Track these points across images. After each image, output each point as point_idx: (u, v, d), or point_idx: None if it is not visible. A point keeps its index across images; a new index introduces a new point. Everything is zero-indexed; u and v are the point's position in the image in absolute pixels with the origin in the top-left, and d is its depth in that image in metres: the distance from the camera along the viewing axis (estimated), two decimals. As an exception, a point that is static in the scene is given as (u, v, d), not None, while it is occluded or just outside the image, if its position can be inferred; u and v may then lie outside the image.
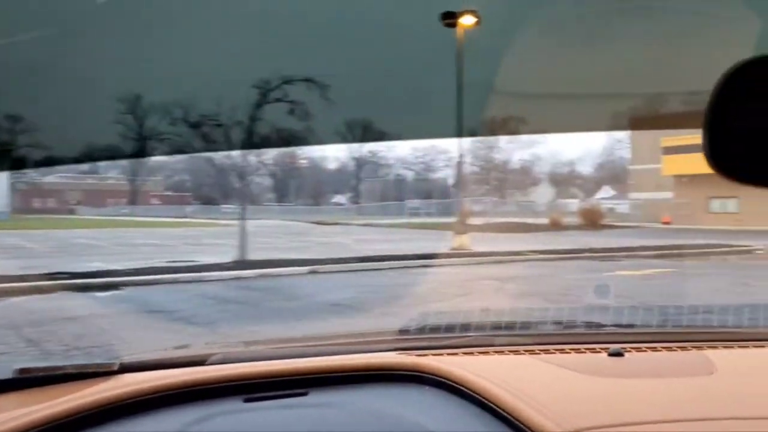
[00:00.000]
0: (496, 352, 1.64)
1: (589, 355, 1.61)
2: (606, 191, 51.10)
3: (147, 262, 13.89)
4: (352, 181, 56.45)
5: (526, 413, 1.21)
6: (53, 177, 46.49)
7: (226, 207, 36.50)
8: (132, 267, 12.92)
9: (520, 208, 43.08)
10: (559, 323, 1.91)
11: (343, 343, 1.79)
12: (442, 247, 17.63)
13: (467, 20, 19.74)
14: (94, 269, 12.82)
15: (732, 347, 1.68)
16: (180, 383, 1.37)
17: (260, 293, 10.57)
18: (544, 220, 31.75)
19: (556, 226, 29.69)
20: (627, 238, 22.01)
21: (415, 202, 45.56)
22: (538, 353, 1.62)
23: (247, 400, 1.37)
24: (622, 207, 40.62)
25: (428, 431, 1.26)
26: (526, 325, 1.91)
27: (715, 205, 34.28)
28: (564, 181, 57.38)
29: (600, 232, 27.22)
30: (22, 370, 1.39)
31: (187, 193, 53.90)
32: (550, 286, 11.15)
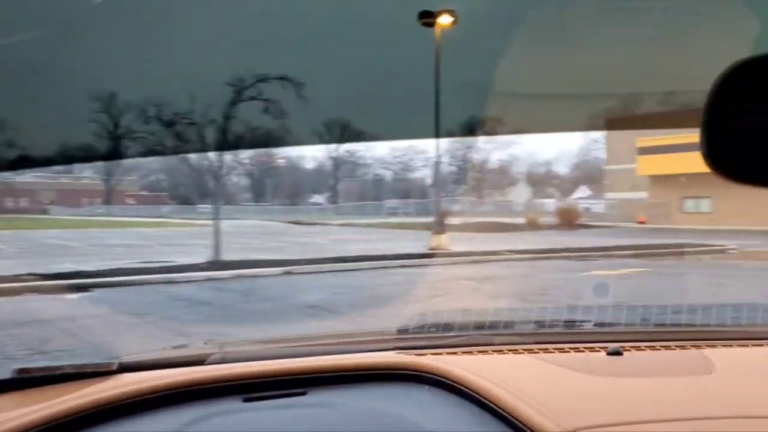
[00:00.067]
0: (495, 351, 1.64)
1: (588, 354, 1.61)
2: (582, 191, 51.54)
3: (119, 263, 13.64)
4: (330, 180, 56.26)
5: (525, 412, 1.20)
6: (26, 176, 45.69)
7: (202, 207, 36.15)
8: (104, 268, 12.67)
9: (498, 208, 43.26)
10: (557, 322, 1.91)
11: (342, 343, 1.79)
12: (420, 247, 17.57)
13: (445, 20, 19.78)
14: (64, 270, 12.53)
15: (731, 346, 1.68)
16: (179, 383, 1.37)
17: (233, 295, 10.40)
18: (522, 220, 31.89)
19: (533, 226, 29.83)
20: (603, 237, 22.15)
21: (393, 202, 45.55)
22: (537, 352, 1.61)
23: (246, 400, 1.36)
24: (598, 207, 40.98)
25: (427, 431, 1.26)
26: (525, 324, 1.91)
27: (689, 204, 34.71)
28: (541, 181, 57.79)
29: (576, 231, 27.40)
30: (21, 370, 1.38)
31: (163, 193, 53.46)
32: (526, 286, 11.14)
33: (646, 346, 1.65)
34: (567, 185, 56.77)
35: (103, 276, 11.74)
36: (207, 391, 1.38)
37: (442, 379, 1.43)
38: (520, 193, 48.87)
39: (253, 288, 11.04)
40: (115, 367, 1.42)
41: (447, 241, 18.39)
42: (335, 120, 41.11)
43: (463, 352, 1.61)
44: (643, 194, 36.12)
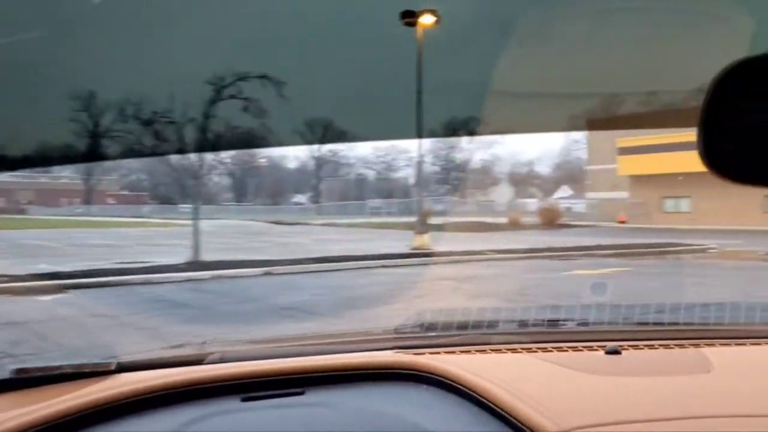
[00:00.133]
0: (494, 350, 1.64)
1: (586, 353, 1.60)
2: (564, 191, 51.86)
3: (97, 264, 13.42)
4: (313, 180, 56.09)
5: (523, 411, 1.20)
6: (3, 176, 45.06)
7: (184, 207, 35.87)
8: (80, 269, 12.45)
9: (481, 208, 43.36)
10: (556, 321, 1.90)
11: (340, 342, 1.79)
12: (403, 247, 17.51)
13: (427, 19, 19.75)
14: (39, 271, 12.31)
15: (729, 345, 1.68)
16: (177, 383, 1.37)
17: (210, 296, 10.26)
18: (504, 220, 31.99)
19: (515, 226, 29.95)
20: (584, 237, 22.25)
21: (376, 202, 45.49)
22: (536, 351, 1.61)
23: (244, 400, 1.36)
24: (580, 206, 41.24)
25: (425, 430, 1.26)
26: (523, 323, 1.91)
27: (669, 204, 35.03)
28: (523, 180, 58.06)
29: (558, 231, 27.52)
30: (20, 371, 1.38)
31: (144, 193, 53.06)
32: (507, 286, 11.11)
33: (644, 345, 1.65)
34: (549, 185, 57.10)
35: (80, 277, 11.54)
36: (205, 391, 1.38)
37: (441, 379, 1.43)
38: (503, 193, 49.05)
39: (231, 289, 10.90)
40: (113, 367, 1.42)
41: (429, 241, 18.36)
42: (317, 119, 40.94)
43: (461, 352, 1.61)
44: (623, 194, 36.39)
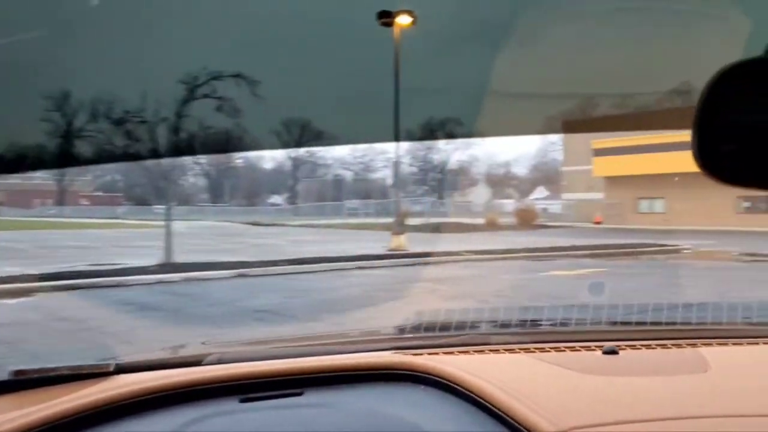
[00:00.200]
0: (492, 350, 1.64)
1: (584, 353, 1.61)
2: (540, 192, 52.16)
3: (66, 266, 13.10)
4: (290, 181, 55.76)
5: (521, 412, 1.21)
6: (-29, 176, 44.13)
7: (159, 208, 35.44)
8: (49, 271, 12.14)
9: (458, 209, 43.45)
10: (554, 321, 1.91)
11: (339, 343, 1.80)
12: (380, 248, 17.39)
13: (403, 20, 19.66)
14: (5, 274, 11.96)
15: (726, 344, 1.69)
16: (176, 384, 1.37)
17: (181, 298, 10.02)
18: (481, 221, 32.05)
19: (492, 226, 30.02)
20: (561, 237, 22.34)
21: (353, 203, 45.37)
22: (534, 351, 1.61)
23: (242, 401, 1.36)
24: (556, 207, 41.51)
25: (424, 430, 1.26)
26: (521, 324, 1.91)
27: (644, 205, 35.39)
28: (500, 182, 58.32)
29: (534, 231, 27.62)
30: (18, 372, 1.37)
31: (118, 194, 52.39)
32: (484, 287, 11.03)
33: (641, 345, 1.65)
34: (525, 186, 57.41)
35: (47, 279, 11.25)
36: (204, 392, 1.37)
37: (439, 379, 1.43)
38: (480, 194, 49.22)
39: (203, 291, 10.67)
40: (111, 368, 1.42)
41: (406, 241, 18.27)
42: (295, 120, 40.72)
43: (460, 352, 1.61)
44: (599, 195, 36.68)
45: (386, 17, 19.73)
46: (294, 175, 55.37)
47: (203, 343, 1.84)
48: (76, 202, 48.82)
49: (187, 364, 1.49)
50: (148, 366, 1.47)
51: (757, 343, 1.72)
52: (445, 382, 1.41)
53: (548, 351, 1.62)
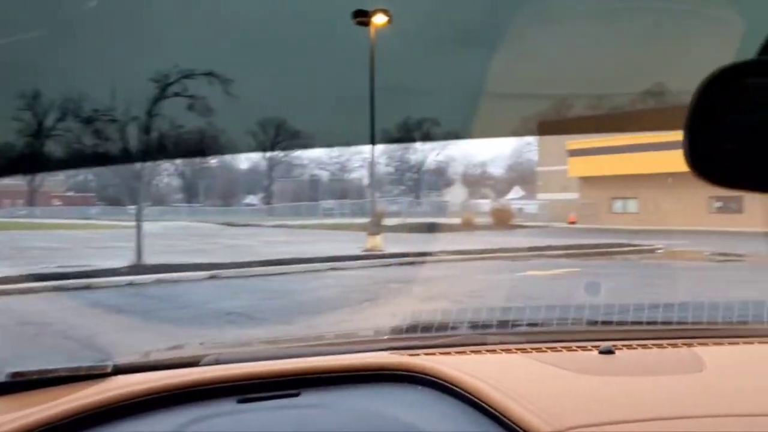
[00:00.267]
0: (488, 350, 1.64)
1: (580, 353, 1.61)
2: (516, 192, 52.43)
3: (33, 268, 12.78)
4: (265, 181, 55.35)
5: (516, 412, 1.21)
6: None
7: (133, 208, 34.91)
8: (15, 273, 11.81)
9: (435, 209, 43.48)
10: (550, 321, 1.92)
11: (335, 343, 1.81)
12: (355, 249, 17.26)
13: (379, 19, 19.56)
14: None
15: (722, 344, 1.70)
16: (173, 385, 1.37)
17: (151, 301, 9.80)
18: (458, 220, 32.07)
19: (468, 226, 30.04)
20: (536, 237, 22.41)
21: (329, 203, 45.18)
22: (530, 351, 1.62)
23: (240, 401, 1.36)
24: (531, 207, 41.72)
25: (420, 431, 1.26)
26: (518, 324, 1.91)
27: (617, 205, 35.74)
28: (476, 182, 58.55)
29: (510, 231, 27.71)
30: (16, 374, 1.38)
31: (91, 194, 51.56)
32: (460, 288, 10.96)
33: (638, 345, 1.66)
34: (501, 186, 57.69)
35: (11, 282, 10.93)
36: (201, 393, 1.38)
37: (435, 379, 1.43)
38: (457, 194, 49.34)
39: (173, 293, 10.46)
40: (109, 369, 1.42)
41: (382, 242, 18.17)
42: (270, 120, 40.41)
43: (456, 352, 1.62)
44: (573, 195, 36.95)
45: (362, 16, 19.63)
46: (269, 175, 54.99)
47: (201, 344, 1.87)
48: (47, 203, 47.99)
49: (184, 364, 1.50)
50: (146, 367, 1.48)
51: (753, 343, 1.73)
52: (441, 382, 1.41)
53: (545, 351, 1.62)
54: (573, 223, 34.73)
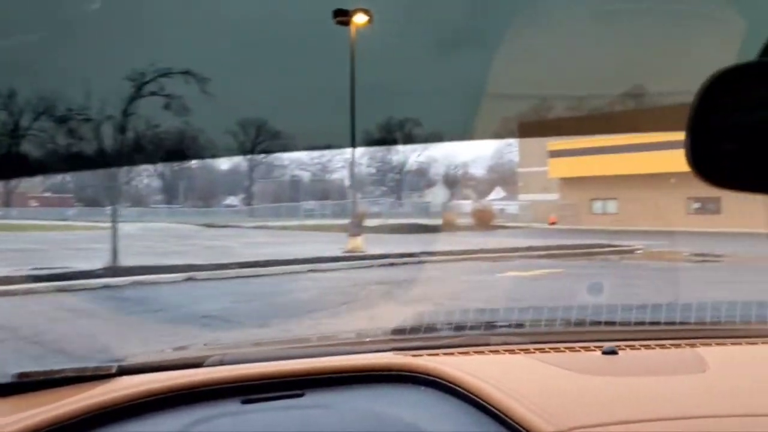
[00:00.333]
0: (492, 351, 1.64)
1: (583, 353, 1.62)
2: (497, 193, 52.58)
3: (6, 270, 12.48)
4: (245, 182, 54.96)
5: (520, 412, 1.21)
6: None
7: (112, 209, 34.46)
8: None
9: (416, 209, 43.47)
10: (553, 322, 1.92)
11: (339, 344, 1.82)
12: (336, 250, 17.12)
13: (359, 18, 19.45)
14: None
15: (725, 344, 1.70)
16: (178, 385, 1.38)
17: (125, 303, 9.58)
18: (439, 221, 32.07)
19: (450, 227, 30.03)
20: (517, 238, 22.43)
21: (310, 204, 44.97)
22: (533, 352, 1.62)
23: (244, 402, 1.37)
24: (512, 208, 41.85)
25: (423, 431, 1.26)
26: (520, 324, 1.92)
27: (597, 206, 35.96)
28: (458, 182, 58.64)
29: (492, 232, 27.73)
30: (22, 375, 1.38)
31: (69, 195, 50.88)
32: (440, 290, 10.88)
33: (641, 345, 1.66)
34: (483, 187, 57.84)
35: (-19, 285, 10.66)
36: (206, 394, 1.38)
37: (438, 380, 1.44)
38: (438, 195, 49.41)
39: (148, 296, 10.25)
40: (114, 370, 1.43)
41: (363, 243, 18.05)
42: (250, 120, 40.13)
43: (459, 353, 1.62)
44: (554, 196, 37.10)
45: (342, 16, 19.50)
46: (250, 176, 54.63)
47: (205, 345, 1.89)
48: (24, 204, 47.26)
49: (189, 365, 1.50)
50: (151, 367, 1.48)
51: (756, 343, 1.73)
52: (444, 383, 1.42)
53: (547, 352, 1.62)
54: (553, 223, 34.87)
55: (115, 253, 13.74)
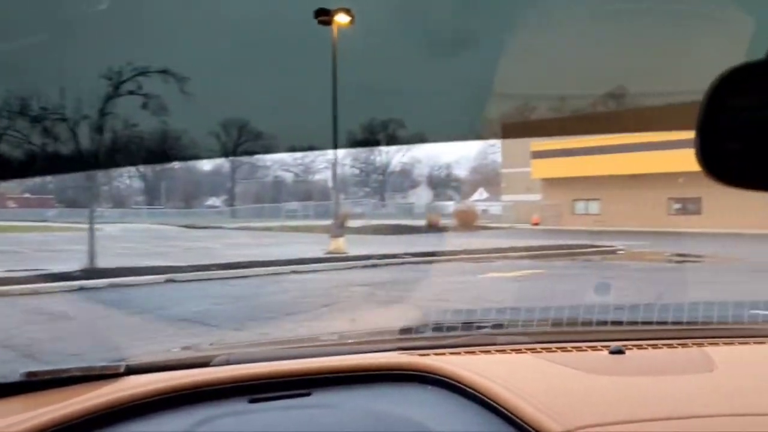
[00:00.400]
0: (498, 351, 1.64)
1: (590, 353, 1.62)
2: (480, 193, 52.69)
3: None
4: (228, 183, 54.62)
5: (527, 412, 1.21)
6: None
7: (93, 210, 34.06)
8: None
9: (399, 210, 43.46)
10: (560, 321, 1.92)
11: (346, 344, 1.82)
12: (318, 251, 17.00)
13: (342, 18, 19.33)
14: None
15: (732, 344, 1.69)
16: (185, 385, 1.38)
17: (100, 306, 9.38)
18: (422, 222, 32.04)
19: (433, 228, 30.00)
20: (500, 239, 22.44)
21: (293, 205, 44.76)
22: (540, 351, 1.62)
23: (251, 401, 1.37)
24: (496, 208, 41.95)
25: (430, 431, 1.27)
26: (527, 324, 1.93)
27: (580, 206, 36.13)
28: (441, 183, 58.74)
29: (475, 233, 27.74)
30: (29, 374, 1.39)
31: (49, 196, 50.26)
32: (423, 291, 10.80)
33: (648, 345, 1.66)
34: (466, 188, 57.96)
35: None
36: (213, 393, 1.39)
37: (445, 379, 1.44)
38: (422, 196, 49.43)
39: (125, 298, 10.06)
40: (122, 370, 1.43)
41: (345, 244, 17.95)
42: (232, 120, 39.86)
43: (466, 352, 1.62)
44: (537, 197, 37.22)
45: (324, 15, 19.37)
46: (232, 177, 54.29)
47: (211, 344, 1.89)
48: (2, 205, 46.64)
49: (196, 365, 1.51)
50: (158, 367, 1.49)
51: (764, 343, 1.72)
52: (451, 382, 1.42)
53: (555, 351, 1.62)
54: (536, 224, 34.98)
55: (92, 254, 13.50)
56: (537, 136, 31.39)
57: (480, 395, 1.33)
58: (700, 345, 1.66)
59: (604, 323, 1.92)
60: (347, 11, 19.31)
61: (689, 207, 31.85)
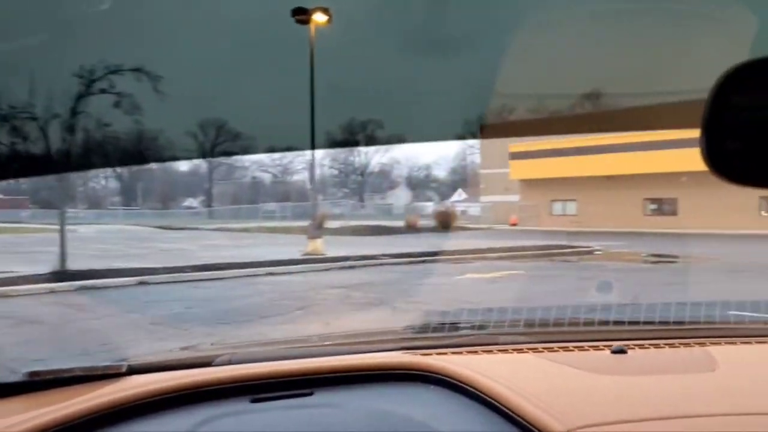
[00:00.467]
0: (500, 350, 1.65)
1: (592, 352, 1.62)
2: (459, 194, 52.82)
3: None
4: (205, 184, 54.13)
5: (530, 411, 1.22)
6: None
7: (69, 212, 33.54)
8: None
9: (378, 211, 43.41)
10: (562, 321, 1.92)
11: (348, 343, 1.81)
12: (295, 252, 16.84)
13: (319, 17, 19.19)
14: None
15: (734, 343, 1.69)
16: (187, 384, 1.38)
17: (69, 309, 9.13)
18: (401, 223, 32.00)
19: (412, 229, 29.98)
20: (479, 239, 22.44)
21: (270, 205, 44.51)
22: (542, 351, 1.62)
23: (254, 401, 1.38)
24: (474, 209, 42.08)
25: (433, 430, 1.27)
26: (529, 324, 1.92)
27: (557, 207, 36.35)
28: (420, 184, 58.81)
29: (454, 234, 27.75)
30: (32, 373, 1.39)
31: (23, 197, 49.48)
32: (399, 294, 10.70)
33: (650, 344, 1.66)
34: (445, 189, 58.07)
35: None
36: (215, 393, 1.39)
37: (448, 379, 1.44)
38: (400, 197, 49.45)
39: (96, 301, 9.84)
40: (124, 369, 1.44)
41: (323, 246, 17.80)
42: (209, 121, 39.48)
43: (468, 352, 1.62)
44: (515, 197, 37.38)
45: (302, 14, 19.22)
46: (210, 177, 53.82)
47: (213, 344, 1.90)
48: (-27, 206, 45.79)
49: (198, 364, 1.50)
50: (161, 367, 1.49)
51: (766, 342, 1.73)
52: (454, 381, 1.42)
53: (557, 351, 1.62)
54: (514, 224, 35.11)
55: (63, 256, 13.20)
56: (517, 136, 31.50)
57: (482, 395, 1.33)
58: (702, 345, 1.66)
59: (606, 323, 1.92)
60: (325, 10, 19.18)
61: (665, 208, 32.18)
